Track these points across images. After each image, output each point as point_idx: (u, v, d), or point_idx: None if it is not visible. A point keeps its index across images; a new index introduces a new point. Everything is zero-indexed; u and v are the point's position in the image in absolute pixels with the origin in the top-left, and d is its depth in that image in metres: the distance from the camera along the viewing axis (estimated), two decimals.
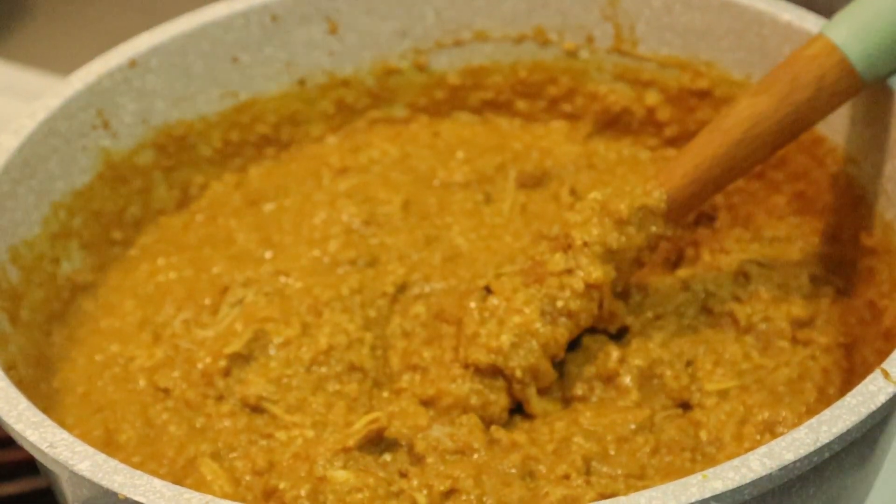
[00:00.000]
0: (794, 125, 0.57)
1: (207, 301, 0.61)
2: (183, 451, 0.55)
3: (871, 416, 0.47)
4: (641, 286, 0.60)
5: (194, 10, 0.66)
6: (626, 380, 0.56)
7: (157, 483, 0.46)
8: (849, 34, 0.56)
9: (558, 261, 0.56)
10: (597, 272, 0.56)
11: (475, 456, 0.53)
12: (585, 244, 0.56)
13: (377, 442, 0.53)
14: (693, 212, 0.58)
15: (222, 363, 0.57)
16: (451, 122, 0.70)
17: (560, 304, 0.56)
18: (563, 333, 0.56)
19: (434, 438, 0.53)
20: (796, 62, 0.56)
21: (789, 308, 0.58)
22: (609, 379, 0.56)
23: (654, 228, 0.57)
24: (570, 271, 0.56)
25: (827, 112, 0.57)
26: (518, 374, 0.55)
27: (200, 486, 0.53)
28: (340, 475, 0.52)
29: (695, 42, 0.66)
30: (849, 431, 0.46)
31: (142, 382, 0.58)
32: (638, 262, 0.57)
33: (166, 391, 0.58)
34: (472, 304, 0.57)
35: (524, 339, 0.55)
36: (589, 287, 0.56)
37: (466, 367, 0.55)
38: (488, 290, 0.57)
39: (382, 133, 0.69)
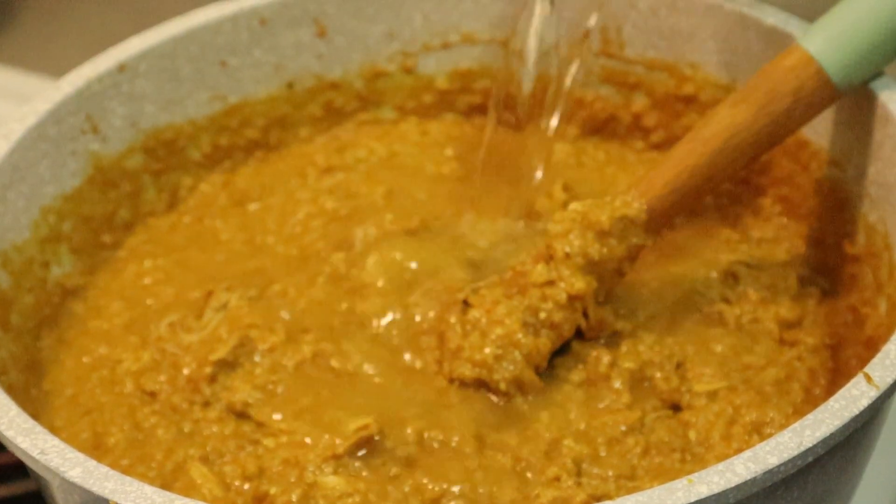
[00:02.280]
0: (772, 135, 0.57)
1: (193, 304, 0.61)
2: (171, 455, 0.55)
3: (854, 419, 0.47)
4: (631, 288, 0.60)
5: (183, 14, 0.66)
6: (617, 383, 0.56)
7: (148, 490, 0.46)
8: (824, 45, 0.57)
9: (541, 272, 0.57)
10: (579, 283, 0.56)
11: (467, 459, 0.53)
12: (567, 256, 0.56)
13: (368, 447, 0.54)
14: (672, 221, 0.59)
15: (208, 370, 0.57)
16: (439, 122, 0.71)
17: (543, 315, 0.56)
18: (545, 344, 0.56)
19: (425, 443, 0.54)
20: (774, 73, 0.57)
21: (777, 309, 0.59)
22: (600, 382, 0.57)
23: (634, 239, 0.57)
24: (552, 283, 0.56)
25: (804, 122, 0.58)
26: (503, 387, 0.55)
27: (190, 490, 0.54)
28: (331, 480, 0.52)
29: (680, 45, 0.66)
30: (832, 435, 0.47)
31: (129, 385, 0.58)
32: (619, 272, 0.58)
33: (153, 395, 0.58)
34: (453, 319, 0.57)
35: (507, 351, 0.56)
36: (571, 298, 0.56)
37: (451, 381, 0.56)
38: (467, 304, 0.57)
39: (370, 132, 0.70)
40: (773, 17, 0.63)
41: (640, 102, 0.68)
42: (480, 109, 0.70)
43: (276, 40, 0.68)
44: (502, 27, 0.69)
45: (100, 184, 0.65)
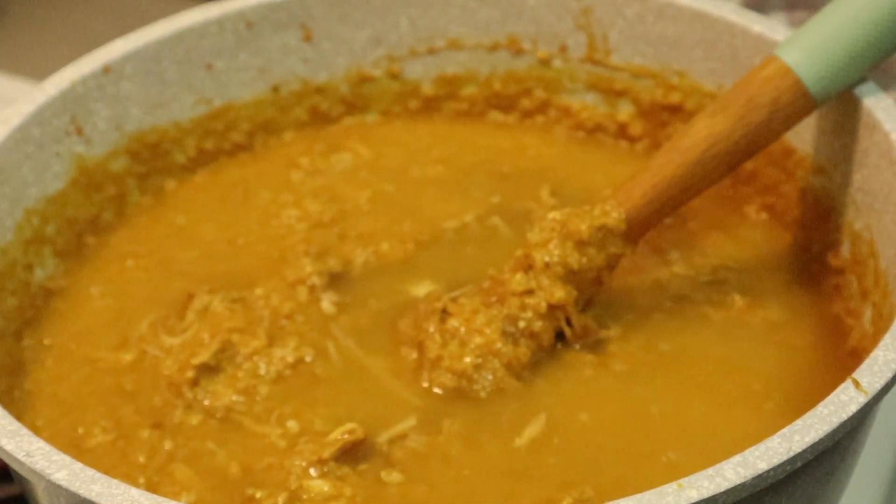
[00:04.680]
0: (750, 145, 0.58)
1: (174, 305, 0.61)
2: (154, 456, 0.55)
3: (843, 425, 0.47)
4: (619, 291, 0.60)
5: (169, 17, 0.66)
6: (605, 385, 0.56)
7: (135, 492, 0.46)
8: (801, 56, 0.57)
9: (520, 281, 0.57)
10: (559, 293, 0.57)
11: (453, 461, 0.53)
12: (547, 265, 0.57)
13: (354, 451, 0.53)
14: (650, 230, 0.59)
15: (190, 373, 0.57)
16: (425, 124, 0.71)
17: (522, 324, 0.56)
18: (524, 353, 0.56)
19: (411, 447, 0.54)
20: (752, 84, 0.58)
21: (765, 313, 0.59)
22: (587, 384, 0.57)
23: (613, 248, 0.58)
24: (531, 292, 0.57)
25: (781, 132, 0.58)
26: (483, 395, 0.55)
27: (175, 491, 0.53)
28: (317, 484, 0.52)
29: (667, 52, 0.66)
30: (821, 441, 0.47)
31: (110, 385, 0.58)
32: (598, 281, 0.58)
33: (134, 395, 0.58)
34: (431, 328, 0.57)
35: (487, 360, 0.56)
36: (552, 308, 0.57)
37: (432, 390, 0.56)
38: (445, 313, 0.58)
39: (355, 135, 0.70)
40: (760, 25, 0.63)
41: (625, 110, 0.68)
42: (466, 115, 0.70)
43: (262, 44, 0.68)
44: (489, 33, 0.69)
45: (84, 186, 0.64)
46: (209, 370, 0.57)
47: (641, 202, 0.58)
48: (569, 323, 0.57)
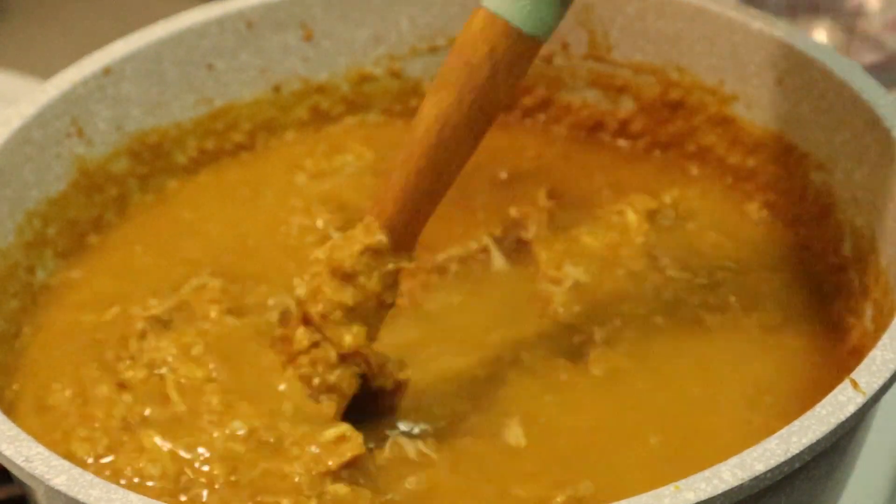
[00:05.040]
0: (486, 108, 0.53)
1: (174, 284, 0.60)
2: (112, 416, 0.54)
3: (841, 425, 0.47)
4: (607, 293, 0.60)
5: (169, 17, 0.66)
6: (585, 388, 0.56)
7: (134, 497, 0.46)
8: None
9: (301, 338, 0.54)
10: (346, 338, 0.53)
11: (452, 460, 0.53)
12: (323, 316, 0.53)
13: (359, 462, 0.52)
14: (420, 231, 0.54)
15: (140, 325, 0.57)
16: None
17: (317, 381, 0.54)
18: (330, 406, 0.53)
19: (407, 449, 0.54)
20: (464, 45, 0.53)
21: (760, 315, 0.59)
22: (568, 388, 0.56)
23: (386, 266, 0.54)
24: (317, 344, 0.53)
25: (513, 83, 0.53)
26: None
27: (137, 458, 0.53)
28: (341, 489, 0.51)
29: (668, 49, 0.66)
30: (819, 442, 0.46)
31: (84, 342, 0.58)
32: (383, 305, 0.54)
33: (101, 348, 0.57)
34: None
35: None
36: (344, 357, 0.53)
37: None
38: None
39: (357, 136, 0.70)
40: (760, 21, 0.63)
41: (626, 107, 0.68)
42: None
43: (262, 43, 0.68)
44: None
45: (85, 188, 0.64)
46: (160, 324, 0.57)
47: (396, 209, 0.53)
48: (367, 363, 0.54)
